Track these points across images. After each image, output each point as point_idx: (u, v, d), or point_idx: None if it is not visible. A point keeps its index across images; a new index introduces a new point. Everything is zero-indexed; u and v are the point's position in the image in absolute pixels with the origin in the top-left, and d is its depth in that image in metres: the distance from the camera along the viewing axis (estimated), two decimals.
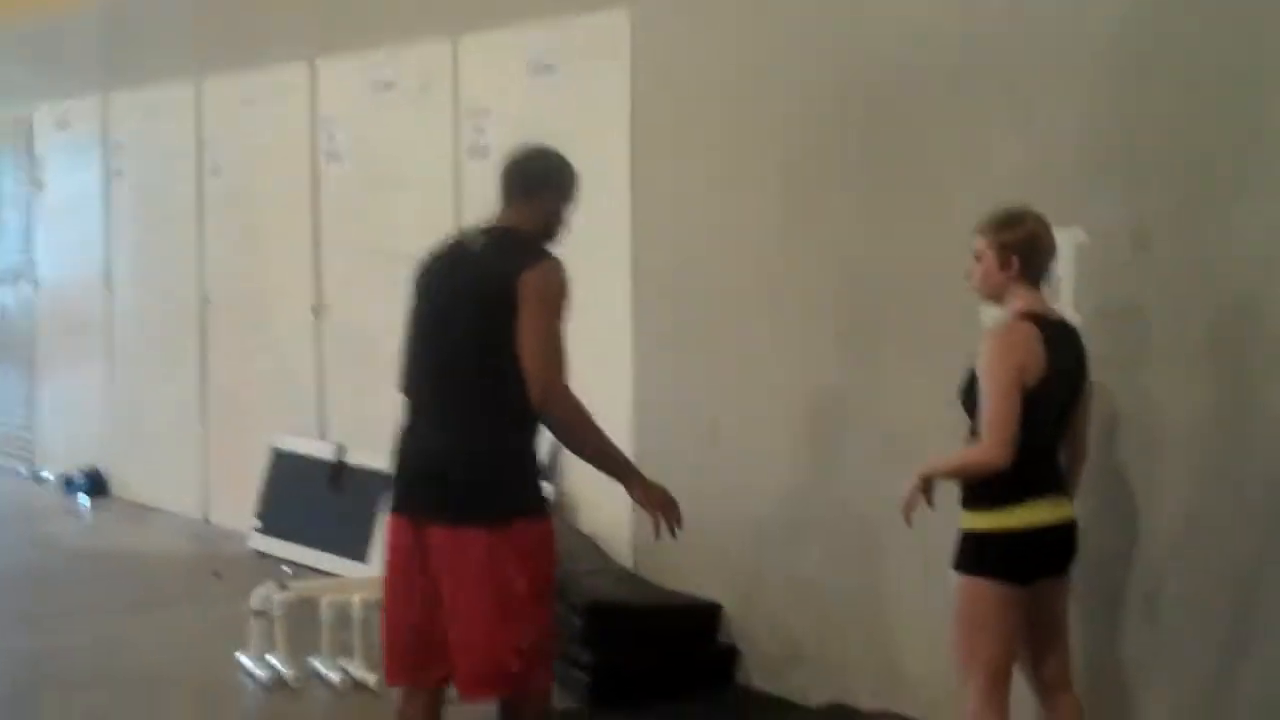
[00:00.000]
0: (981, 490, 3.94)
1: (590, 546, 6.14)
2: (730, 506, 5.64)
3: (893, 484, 4.13)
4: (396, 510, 4.06)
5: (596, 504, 6.32)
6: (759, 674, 5.33)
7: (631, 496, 4.16)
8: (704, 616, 5.76)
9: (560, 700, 5.41)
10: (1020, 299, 3.98)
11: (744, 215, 5.63)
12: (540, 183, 4.16)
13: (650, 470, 5.99)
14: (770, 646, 5.45)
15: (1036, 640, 4.10)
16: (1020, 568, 3.93)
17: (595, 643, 5.48)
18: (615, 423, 6.08)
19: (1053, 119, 4.58)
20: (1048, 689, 4.14)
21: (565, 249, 6.29)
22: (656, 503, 4.16)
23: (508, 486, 3.98)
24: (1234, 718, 4.16)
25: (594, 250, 6.25)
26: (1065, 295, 4.50)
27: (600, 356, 6.24)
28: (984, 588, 3.93)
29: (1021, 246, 3.97)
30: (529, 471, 4.04)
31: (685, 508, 5.82)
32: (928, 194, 4.81)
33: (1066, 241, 4.45)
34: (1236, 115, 4.12)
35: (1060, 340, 3.95)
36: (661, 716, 5.21)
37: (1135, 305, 4.36)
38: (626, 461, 4.18)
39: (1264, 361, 4.06)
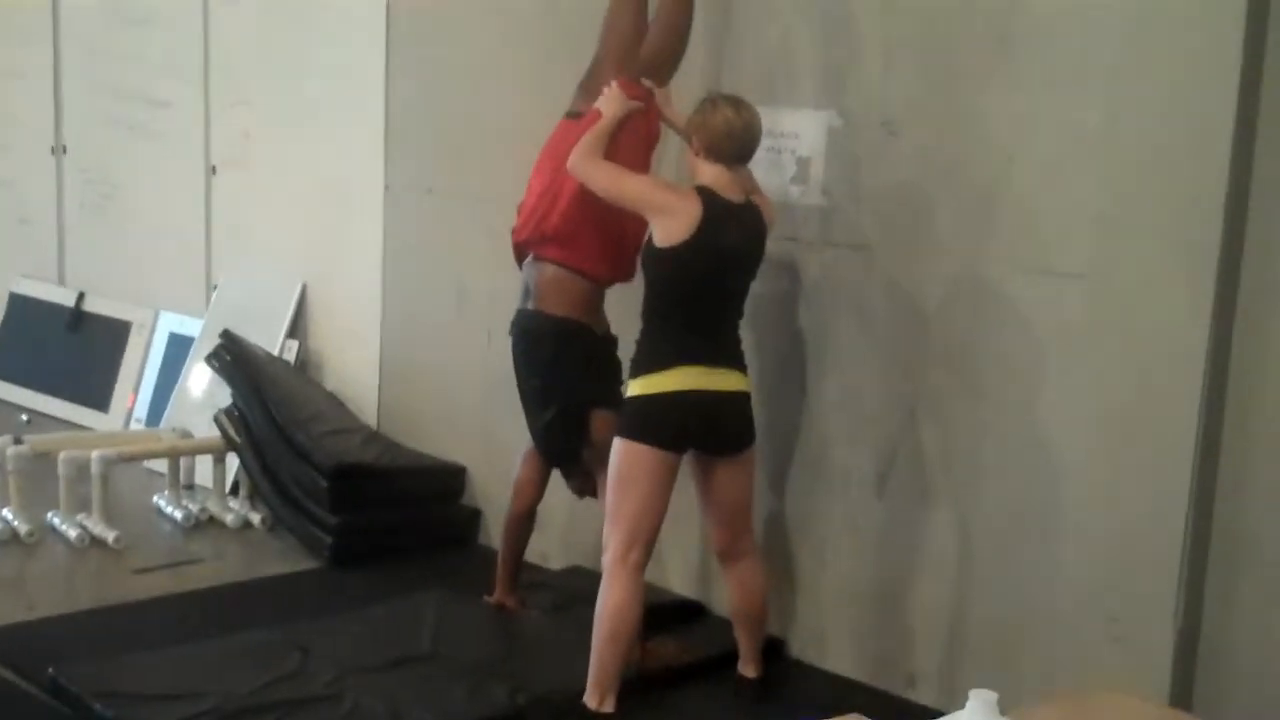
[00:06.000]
0: (639, 359, 3.96)
1: (336, 406, 5.86)
2: (474, 370, 5.45)
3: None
4: None
5: (342, 364, 6.05)
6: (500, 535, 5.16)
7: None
8: (448, 478, 5.58)
9: (304, 561, 5.23)
10: (703, 175, 3.96)
11: (502, 60, 5.35)
12: None
13: (396, 332, 5.83)
14: None
15: (708, 512, 4.16)
16: (661, 431, 3.90)
17: (340, 504, 5.24)
18: (363, 283, 5.87)
19: (805, 5, 4.39)
20: (721, 556, 4.20)
21: (311, 97, 6.06)
22: None
23: None
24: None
25: (347, 110, 5.94)
26: (815, 177, 4.37)
27: (349, 205, 5.95)
28: (629, 448, 3.91)
29: (699, 129, 3.95)
30: None
31: (430, 370, 5.69)
32: (691, 79, 4.56)
33: (819, 124, 4.34)
34: (986, 7, 3.97)
35: (727, 218, 3.91)
36: (404, 576, 5.03)
37: (881, 190, 4.24)
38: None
39: (1002, 250, 3.98)
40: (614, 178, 4.03)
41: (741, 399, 4.00)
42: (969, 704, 2.29)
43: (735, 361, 4.00)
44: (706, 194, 3.90)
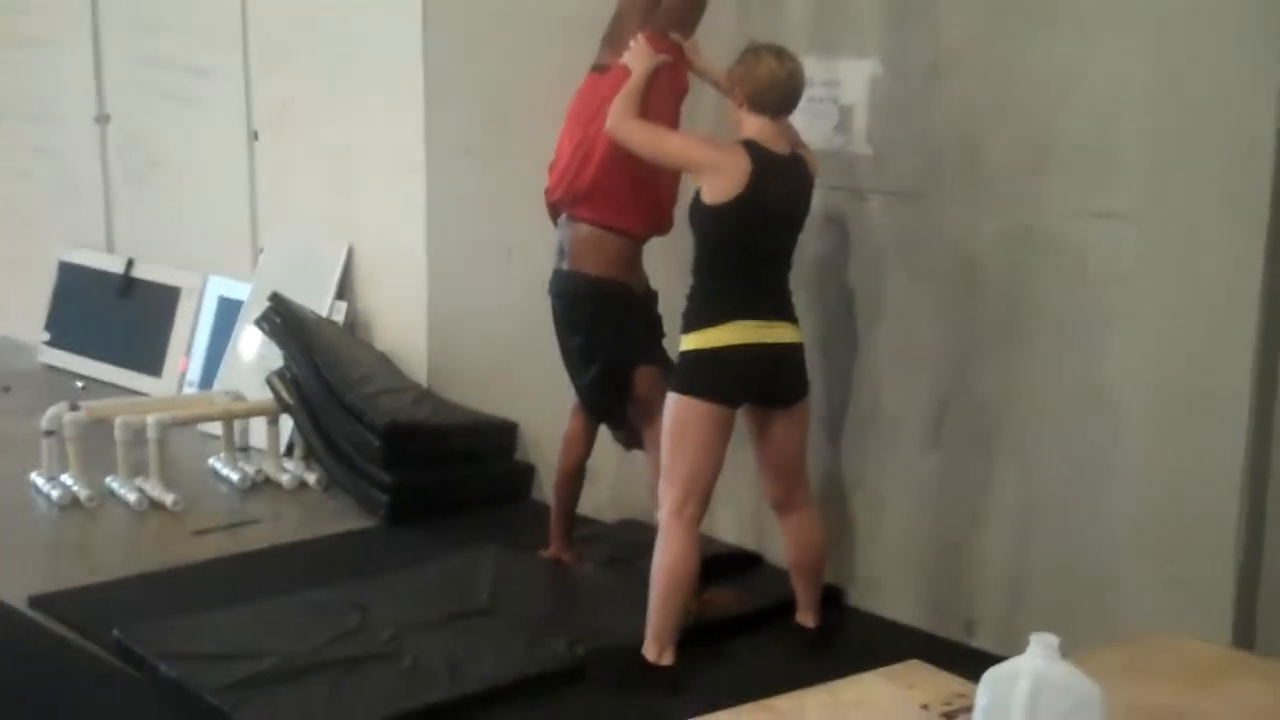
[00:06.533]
0: (691, 315, 3.93)
1: (386, 366, 5.88)
2: (522, 326, 5.44)
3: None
4: None
5: (390, 324, 6.07)
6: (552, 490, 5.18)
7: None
8: (500, 434, 5.59)
9: (360, 520, 5.27)
10: (747, 128, 3.91)
11: (543, 18, 5.31)
12: None
13: (443, 290, 5.84)
14: None
15: (764, 465, 4.15)
16: (717, 386, 3.89)
17: (393, 462, 5.27)
18: (409, 243, 5.88)
19: None
20: (778, 508, 4.20)
21: (351, 60, 6.05)
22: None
23: None
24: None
25: (387, 71, 5.93)
26: (860, 125, 4.35)
27: (393, 166, 5.95)
28: (684, 403, 3.90)
29: (743, 80, 3.91)
30: None
31: (478, 328, 5.70)
32: (730, 29, 4.54)
33: (862, 73, 4.31)
34: None
35: (774, 171, 3.87)
36: (459, 532, 5.06)
37: (926, 138, 4.20)
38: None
39: (1050, 199, 3.95)
40: (654, 137, 4.02)
41: (795, 351, 3.99)
42: (1030, 648, 2.26)
43: (787, 314, 3.99)
44: (753, 148, 3.87)
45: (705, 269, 3.94)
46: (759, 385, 3.96)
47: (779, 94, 3.91)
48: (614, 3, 4.53)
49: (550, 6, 5.28)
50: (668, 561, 3.92)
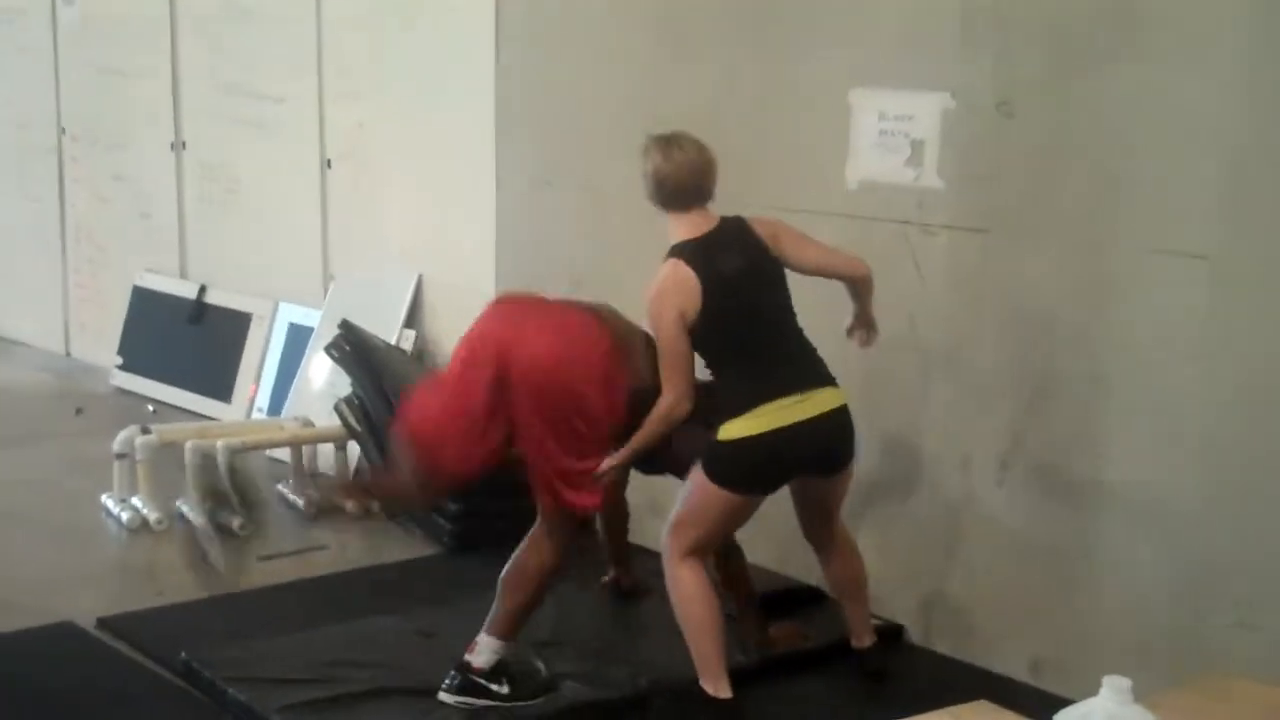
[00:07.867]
0: (720, 404, 3.79)
1: None
2: None
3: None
4: None
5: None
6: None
7: None
8: None
9: (424, 547, 5.29)
10: (672, 230, 3.79)
11: (614, 51, 5.32)
12: None
13: None
14: (629, 496, 5.28)
15: (804, 513, 4.10)
16: (755, 479, 3.80)
17: (458, 491, 5.23)
18: (478, 273, 5.91)
19: None
20: (816, 547, 4.17)
21: (423, 90, 6.10)
22: None
23: None
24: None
25: (459, 103, 5.97)
26: (930, 160, 4.32)
27: (463, 196, 5.99)
28: (716, 491, 3.78)
29: (646, 179, 3.79)
30: None
31: None
32: (803, 62, 4.55)
33: (933, 107, 4.29)
34: None
35: (717, 248, 3.74)
36: None
37: (998, 172, 4.17)
38: None
39: (1122, 236, 3.91)
40: (663, 414, 3.73)
41: (840, 415, 3.85)
42: (1103, 690, 2.25)
43: (821, 377, 3.84)
44: (684, 251, 3.74)
45: (720, 365, 3.83)
46: (810, 460, 3.85)
47: (673, 186, 3.75)
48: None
49: (618, 42, 5.30)
50: (686, 600, 3.85)
